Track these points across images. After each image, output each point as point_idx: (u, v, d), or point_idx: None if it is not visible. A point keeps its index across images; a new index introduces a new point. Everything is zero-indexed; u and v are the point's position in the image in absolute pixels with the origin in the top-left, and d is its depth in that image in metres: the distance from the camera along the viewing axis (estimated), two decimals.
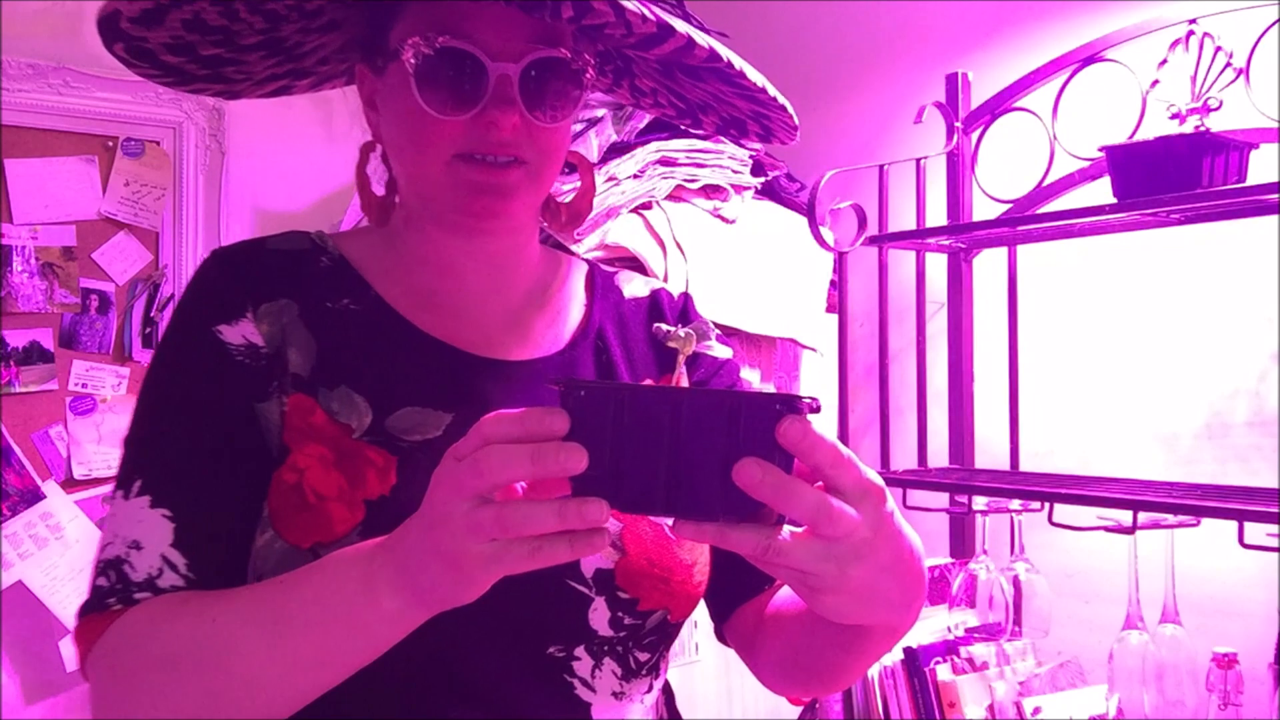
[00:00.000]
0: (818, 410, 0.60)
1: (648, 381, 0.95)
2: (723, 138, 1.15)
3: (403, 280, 0.90)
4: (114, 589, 0.77)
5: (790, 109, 0.92)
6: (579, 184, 0.96)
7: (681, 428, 0.60)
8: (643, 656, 0.86)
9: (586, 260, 1.03)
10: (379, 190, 0.93)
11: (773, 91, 0.89)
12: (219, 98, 0.96)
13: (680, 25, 0.79)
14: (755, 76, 0.87)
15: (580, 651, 0.82)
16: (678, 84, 0.96)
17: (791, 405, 0.60)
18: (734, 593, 0.94)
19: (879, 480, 0.63)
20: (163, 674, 0.72)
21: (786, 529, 0.61)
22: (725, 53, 0.83)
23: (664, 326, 0.96)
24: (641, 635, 0.85)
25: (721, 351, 0.99)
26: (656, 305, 1.00)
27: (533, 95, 0.81)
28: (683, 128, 1.05)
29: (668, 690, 0.94)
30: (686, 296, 1.03)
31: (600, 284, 0.99)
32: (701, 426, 0.60)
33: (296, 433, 0.81)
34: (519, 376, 0.89)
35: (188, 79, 0.92)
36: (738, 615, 0.95)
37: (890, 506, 0.64)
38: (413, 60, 0.80)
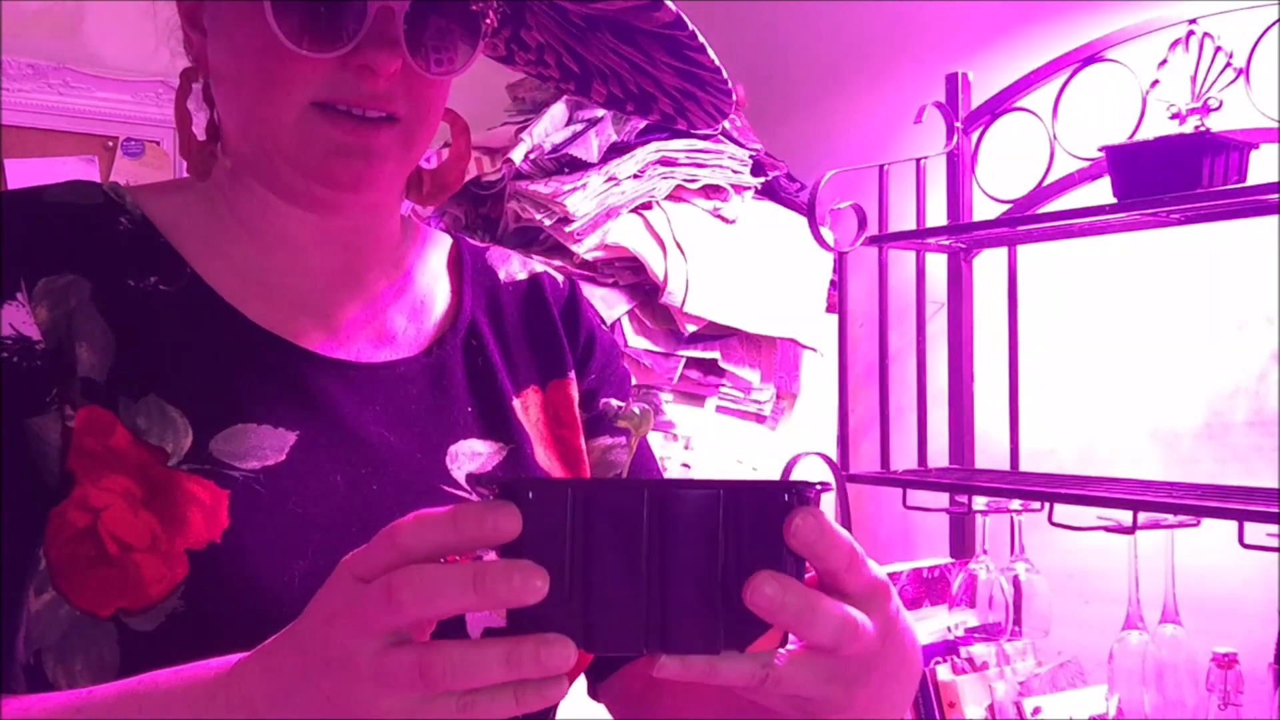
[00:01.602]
0: (828, 491, 0.50)
1: (531, 389, 0.79)
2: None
3: (226, 254, 0.71)
4: None
5: (733, 95, 0.80)
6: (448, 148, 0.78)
7: (667, 534, 0.46)
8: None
9: (451, 234, 0.85)
10: (200, 134, 0.72)
11: (725, 74, 0.77)
12: None
13: None
14: (712, 55, 0.75)
15: None
16: (583, 43, 0.80)
17: (801, 494, 0.48)
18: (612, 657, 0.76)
19: (885, 575, 0.52)
20: None
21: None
22: (689, 23, 0.71)
23: (614, 403, 0.80)
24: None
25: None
26: (538, 292, 0.83)
27: (418, 37, 0.65)
28: (564, 90, 0.88)
29: None
30: (573, 283, 0.86)
31: (469, 264, 0.81)
32: (693, 530, 0.46)
33: (89, 458, 0.61)
34: (377, 382, 0.71)
35: None
36: (623, 673, 0.79)
37: (896, 602, 0.52)
38: None
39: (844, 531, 0.49)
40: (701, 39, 0.73)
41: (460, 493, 0.72)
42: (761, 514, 0.47)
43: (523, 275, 0.84)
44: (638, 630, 0.46)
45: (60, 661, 0.61)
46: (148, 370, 0.65)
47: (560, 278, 0.86)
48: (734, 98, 0.80)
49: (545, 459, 0.78)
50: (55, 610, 0.60)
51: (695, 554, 0.46)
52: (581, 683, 0.80)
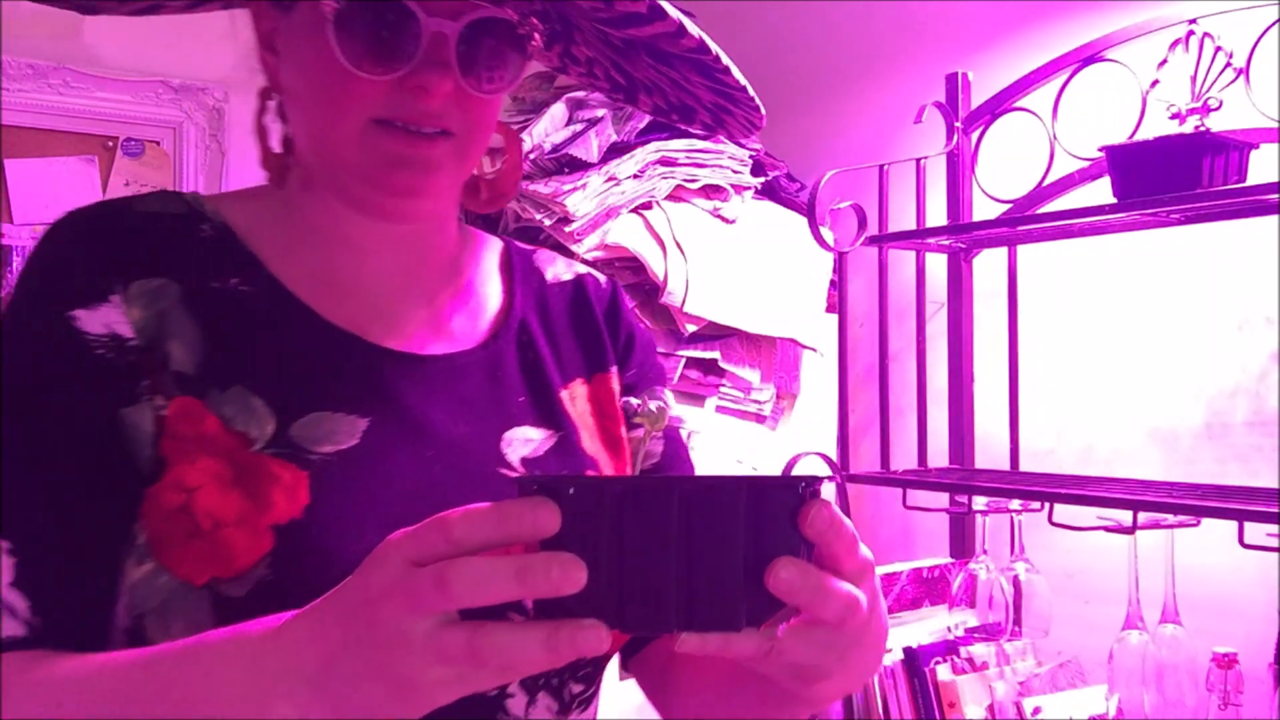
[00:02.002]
0: (832, 483, 0.55)
1: (577, 382, 0.86)
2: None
3: (299, 257, 0.77)
4: None
5: (762, 109, 0.85)
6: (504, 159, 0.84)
7: (695, 525, 0.50)
8: (576, 689, 0.77)
9: (501, 237, 0.91)
10: (276, 146, 0.79)
11: (751, 92, 0.82)
12: (74, 12, 0.81)
13: (671, 9, 0.72)
14: (737, 75, 0.80)
15: (514, 688, 0.73)
16: (628, 60, 0.85)
17: (813, 489, 0.53)
18: None
19: (870, 554, 0.58)
20: None
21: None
22: (713, 46, 0.76)
23: (632, 401, 0.86)
24: (578, 667, 0.76)
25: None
26: (582, 292, 0.89)
27: (470, 59, 0.70)
28: (614, 99, 0.95)
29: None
30: (615, 285, 0.92)
31: (519, 265, 0.87)
32: (718, 520, 0.51)
33: (183, 443, 0.68)
34: (439, 373, 0.77)
35: None
36: (649, 649, 0.87)
37: (877, 578, 0.59)
38: (333, 4, 0.68)
39: (847, 519, 0.55)
40: (726, 61, 0.78)
41: (514, 475, 0.77)
42: (780, 506, 0.52)
43: (568, 276, 0.89)
44: (667, 612, 0.50)
45: (161, 625, 0.67)
46: (233, 364, 0.71)
47: (603, 278, 0.92)
48: (763, 112, 0.85)
49: (591, 446, 0.84)
50: (154, 579, 0.66)
51: (720, 543, 0.51)
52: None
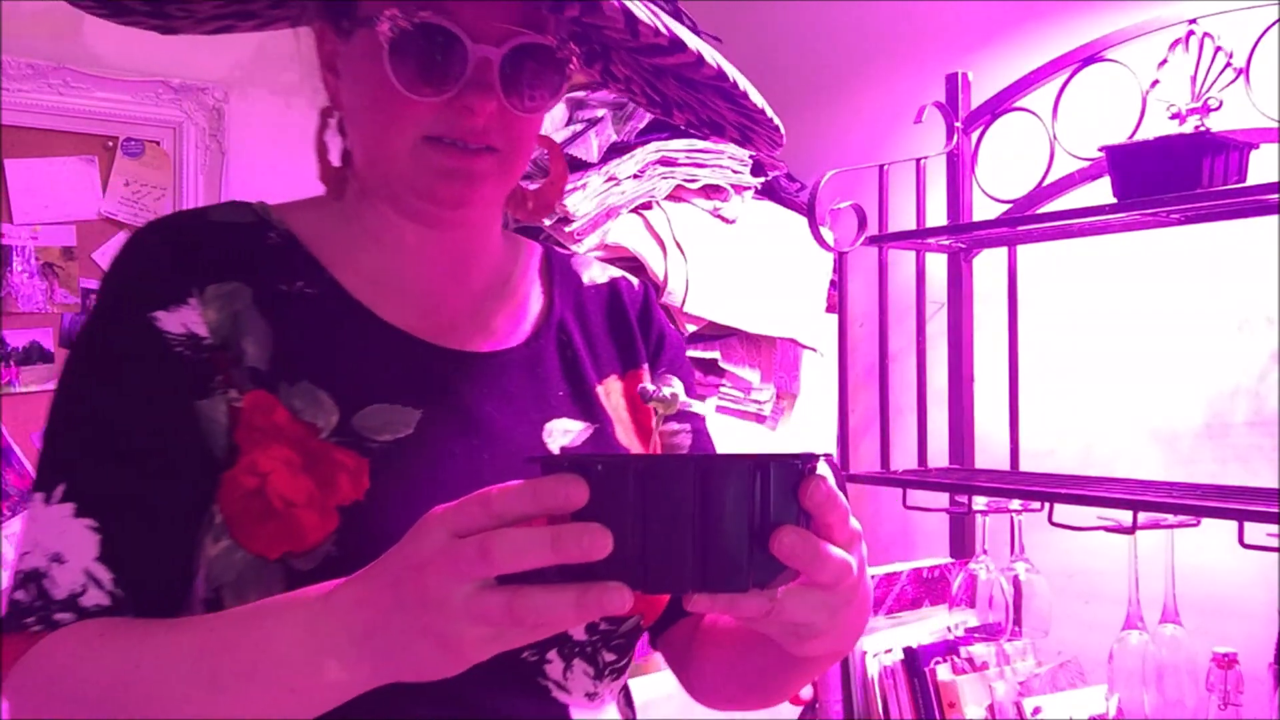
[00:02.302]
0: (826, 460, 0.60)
1: (612, 377, 0.93)
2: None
3: (357, 262, 0.84)
4: (33, 607, 0.72)
5: (781, 129, 0.91)
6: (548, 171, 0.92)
7: (709, 497, 0.56)
8: (610, 657, 0.84)
9: (542, 244, 0.99)
10: (335, 161, 0.86)
11: (770, 113, 0.88)
12: (152, 31, 0.88)
13: (691, 40, 0.78)
14: (756, 98, 0.86)
15: (552, 655, 0.80)
16: (659, 81, 0.93)
17: (811, 464, 0.60)
18: (675, 605, 0.91)
19: (858, 526, 0.64)
20: (73, 718, 0.68)
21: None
22: (731, 72, 0.82)
23: (647, 387, 0.93)
24: (613, 638, 0.83)
25: (697, 406, 0.97)
26: (616, 295, 0.96)
27: (512, 81, 0.76)
28: (651, 113, 1.03)
29: (626, 691, 0.93)
30: (647, 288, 0.99)
31: (558, 269, 0.95)
32: (728, 494, 0.57)
33: (256, 432, 0.75)
34: (485, 369, 0.85)
35: (122, 11, 0.84)
36: (676, 626, 0.94)
37: (864, 548, 0.65)
38: (388, 33, 0.74)
39: (840, 493, 0.61)
40: (745, 86, 0.84)
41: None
42: (783, 482, 0.58)
43: (603, 280, 0.97)
44: (682, 574, 0.56)
45: (237, 597, 0.73)
46: (301, 360, 0.78)
47: (635, 282, 0.99)
48: (782, 131, 0.92)
49: (625, 437, 0.91)
50: (231, 555, 0.73)
51: (730, 513, 0.57)
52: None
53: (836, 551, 0.61)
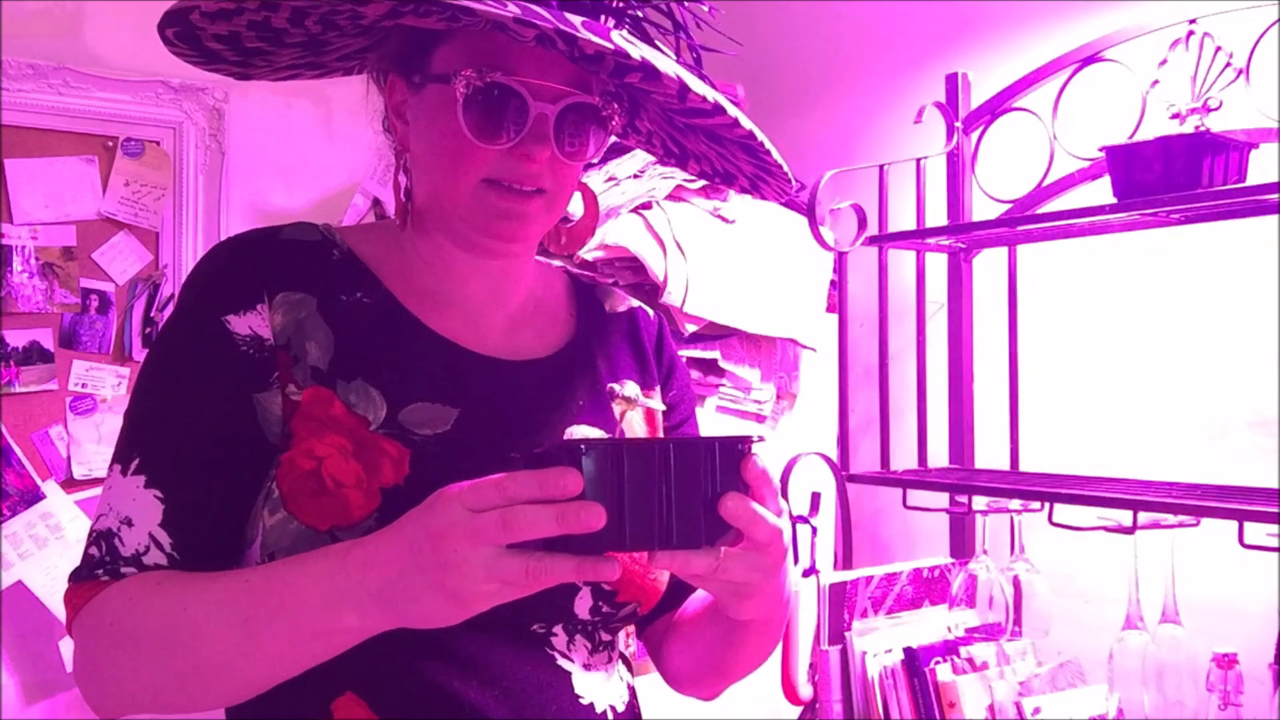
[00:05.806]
0: (763, 443, 0.75)
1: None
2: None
3: (409, 278, 0.95)
4: (103, 561, 0.83)
5: (792, 179, 1.03)
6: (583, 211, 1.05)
7: (673, 472, 0.71)
8: (605, 637, 0.95)
9: (566, 270, 1.11)
10: (400, 196, 0.99)
11: (786, 168, 1.00)
12: (229, 77, 1.00)
13: (730, 108, 0.89)
14: (776, 155, 0.97)
15: (558, 629, 0.91)
16: (683, 136, 1.04)
17: (748, 445, 0.74)
18: (662, 604, 1.03)
19: (786, 505, 0.79)
20: (131, 650, 0.80)
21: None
22: (759, 134, 0.94)
23: (613, 387, 1.04)
24: (611, 621, 0.94)
25: (654, 404, 1.07)
26: (634, 323, 1.08)
27: (564, 134, 0.88)
28: (665, 164, 1.18)
29: (632, 689, 1.01)
30: (661, 319, 1.11)
31: (581, 294, 1.08)
32: (688, 469, 0.71)
33: (314, 422, 0.86)
34: (518, 376, 0.95)
35: (214, 59, 0.94)
36: (657, 622, 1.07)
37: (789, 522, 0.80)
38: (463, 90, 0.86)
39: (771, 471, 0.75)
40: (768, 145, 0.96)
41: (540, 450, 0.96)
42: (728, 459, 0.73)
43: (622, 309, 1.09)
44: (652, 533, 0.71)
45: None
46: (356, 361, 0.89)
47: (651, 312, 1.11)
48: (793, 182, 1.04)
49: None
50: (286, 526, 0.84)
51: (689, 485, 0.71)
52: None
53: (770, 516, 0.74)
